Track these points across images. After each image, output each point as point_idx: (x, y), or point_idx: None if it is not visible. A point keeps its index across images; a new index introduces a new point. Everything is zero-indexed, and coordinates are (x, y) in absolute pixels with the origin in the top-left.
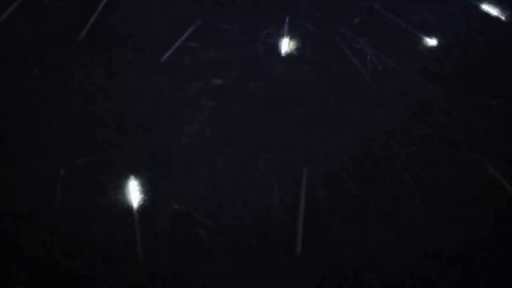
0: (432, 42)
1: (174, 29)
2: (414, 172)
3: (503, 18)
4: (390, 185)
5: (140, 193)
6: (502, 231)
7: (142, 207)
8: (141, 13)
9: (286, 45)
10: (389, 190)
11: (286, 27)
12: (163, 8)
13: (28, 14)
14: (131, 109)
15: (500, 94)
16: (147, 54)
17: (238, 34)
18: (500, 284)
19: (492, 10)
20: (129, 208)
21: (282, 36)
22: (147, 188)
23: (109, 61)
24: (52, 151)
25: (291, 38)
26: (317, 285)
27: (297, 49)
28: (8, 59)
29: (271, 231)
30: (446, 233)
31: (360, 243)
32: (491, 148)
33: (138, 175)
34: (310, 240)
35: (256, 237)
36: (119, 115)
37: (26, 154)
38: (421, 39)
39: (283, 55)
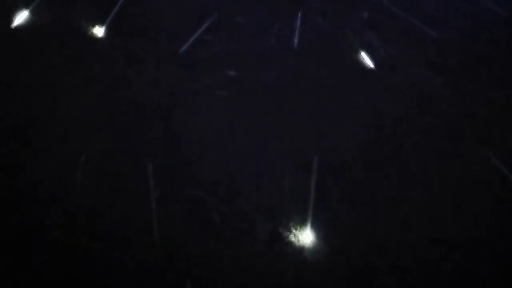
0: (437, 36)
1: (191, 22)
2: (420, 161)
3: (507, 13)
4: (396, 173)
5: (156, 179)
6: (503, 218)
7: (158, 192)
8: (160, 7)
9: (297, 38)
10: (396, 178)
11: (297, 21)
12: (181, 2)
13: (51, 7)
14: (149, 98)
15: (503, 87)
16: (165, 45)
17: (252, 27)
18: (501, 267)
19: (496, 6)
20: (146, 193)
21: (294, 29)
22: (164, 174)
23: (128, 52)
24: (73, 138)
25: (302, 32)
26: (325, 269)
27: (308, 42)
28: (32, 49)
29: (281, 216)
30: (449, 219)
31: (367, 229)
32: (494, 138)
33: (155, 161)
34: (319, 225)
35: (267, 222)
36: (137, 104)
37: (48, 141)
38: (427, 33)
39: (295, 48)
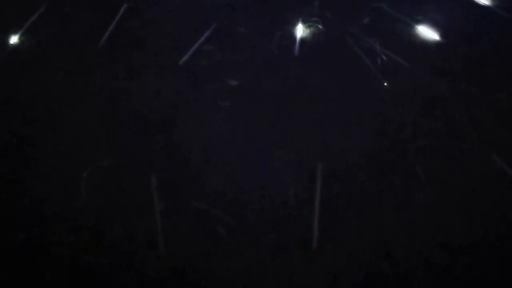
0: (439, 39)
1: (191, 33)
2: (425, 165)
3: (509, 16)
4: (401, 178)
5: (160, 192)
6: (510, 222)
7: (162, 205)
8: (159, 18)
9: (299, 46)
10: (401, 183)
11: (298, 28)
12: (181, 13)
13: (50, 21)
14: (151, 110)
15: (507, 89)
16: (165, 57)
17: (253, 36)
18: (510, 271)
19: (499, 9)
20: (150, 206)
21: (295, 37)
22: (167, 186)
23: (129, 65)
24: (75, 153)
25: (303, 39)
26: (333, 277)
27: (309, 49)
28: (31, 65)
29: (287, 226)
30: (456, 223)
31: (373, 235)
32: (499, 141)
33: (158, 174)
34: (326, 233)
35: (273, 232)
36: (139, 116)
37: (50, 156)
38: (429, 37)
39: (297, 56)
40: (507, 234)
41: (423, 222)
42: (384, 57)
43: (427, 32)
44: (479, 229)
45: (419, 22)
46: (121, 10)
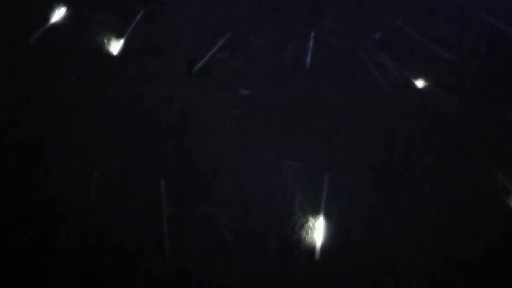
0: (450, 56)
1: (205, 41)
2: (431, 181)
3: None
4: (408, 193)
5: (169, 196)
6: None
7: (171, 209)
8: (175, 26)
9: (310, 58)
10: (407, 198)
11: (311, 40)
12: (196, 21)
13: (68, 26)
14: (162, 116)
15: None
16: (179, 64)
17: (266, 47)
18: None
19: (508, 27)
20: (158, 210)
21: (307, 49)
22: (176, 192)
23: (143, 71)
24: (86, 155)
25: (315, 51)
26: None
27: (321, 61)
28: (48, 67)
29: (293, 235)
30: (460, 239)
31: (378, 249)
32: (505, 158)
33: (167, 179)
34: (330, 245)
35: (278, 241)
36: (151, 122)
37: (62, 158)
38: (440, 54)
39: (308, 67)
40: (510, 251)
41: (428, 237)
42: (395, 72)
43: (438, 49)
44: (484, 246)
45: (431, 38)
46: (137, 17)
